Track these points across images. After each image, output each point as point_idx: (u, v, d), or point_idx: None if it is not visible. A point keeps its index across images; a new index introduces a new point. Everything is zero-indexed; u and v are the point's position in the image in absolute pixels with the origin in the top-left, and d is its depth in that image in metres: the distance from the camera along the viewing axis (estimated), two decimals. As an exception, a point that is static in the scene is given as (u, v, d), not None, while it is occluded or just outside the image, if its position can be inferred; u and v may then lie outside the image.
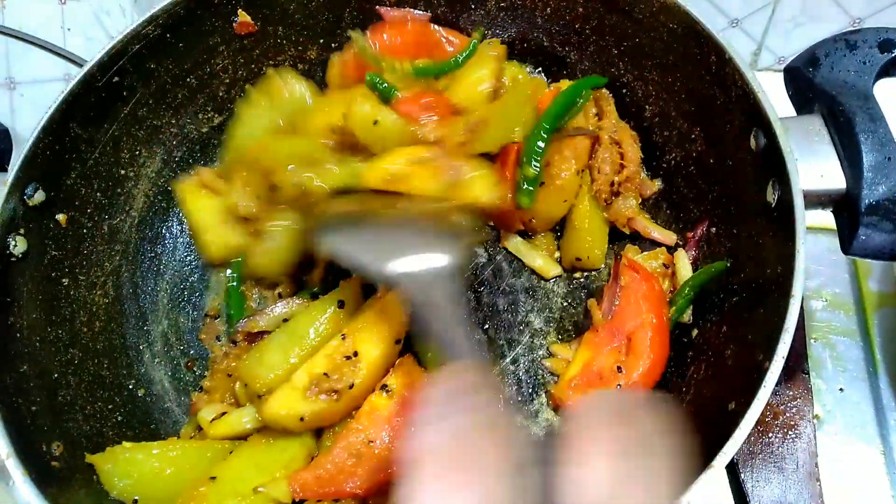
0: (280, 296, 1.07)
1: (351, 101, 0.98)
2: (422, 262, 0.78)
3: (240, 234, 1.06)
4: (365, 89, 1.00)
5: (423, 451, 0.51)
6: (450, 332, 0.71)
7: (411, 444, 0.51)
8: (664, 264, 1.01)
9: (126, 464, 0.84)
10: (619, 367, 0.92)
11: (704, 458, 0.70)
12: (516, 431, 0.56)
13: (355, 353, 0.86)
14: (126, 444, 0.85)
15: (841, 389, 1.06)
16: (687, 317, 0.97)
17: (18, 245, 0.88)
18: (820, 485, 0.97)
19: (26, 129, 1.41)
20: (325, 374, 0.85)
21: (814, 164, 0.85)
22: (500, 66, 1.06)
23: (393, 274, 0.77)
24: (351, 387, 0.85)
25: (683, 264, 1.01)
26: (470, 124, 0.97)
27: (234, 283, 1.07)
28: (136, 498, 0.84)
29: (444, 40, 1.14)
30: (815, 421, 1.02)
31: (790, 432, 1.00)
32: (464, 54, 1.06)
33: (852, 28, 1.53)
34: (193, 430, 0.95)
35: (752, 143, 0.88)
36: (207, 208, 1.07)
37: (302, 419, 0.84)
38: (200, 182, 1.08)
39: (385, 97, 0.99)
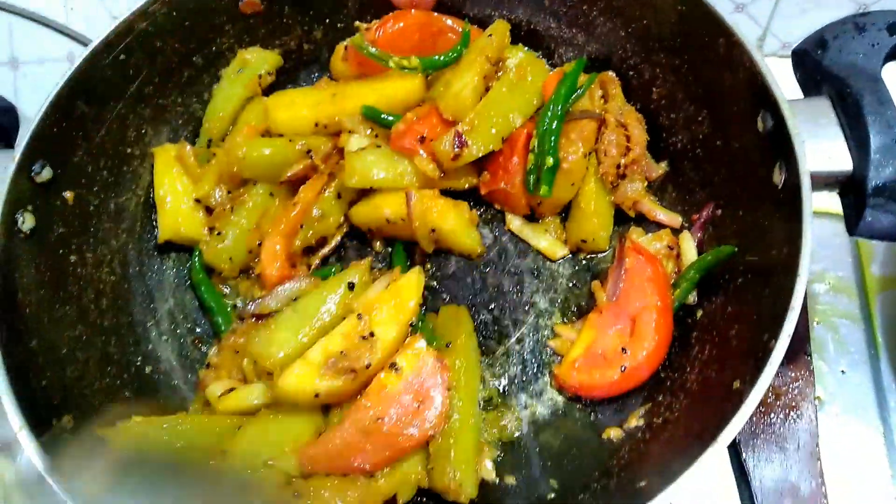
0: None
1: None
2: None
3: (195, 223, 1.06)
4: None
5: None
6: None
7: None
8: (669, 246, 1.01)
9: (137, 437, 0.84)
10: (623, 349, 0.93)
11: (709, 436, 0.71)
12: None
13: (371, 334, 0.87)
14: (136, 419, 0.86)
15: (842, 371, 1.07)
16: (692, 298, 0.97)
17: (27, 222, 0.88)
18: (821, 464, 0.98)
19: (30, 108, 1.39)
20: (341, 352, 0.85)
21: (821, 146, 0.86)
22: (489, 66, 1.05)
23: None
24: (368, 366, 0.86)
25: (688, 246, 1.01)
26: (454, 138, 0.97)
27: (199, 268, 1.06)
28: None
29: (448, 27, 1.13)
30: (816, 402, 1.03)
31: (792, 413, 1.01)
32: (461, 45, 1.06)
33: (858, 11, 1.53)
34: (201, 406, 0.96)
35: (760, 124, 0.88)
36: (173, 187, 1.06)
37: (317, 395, 0.84)
38: (179, 155, 1.08)
39: (385, 127, 1.02)
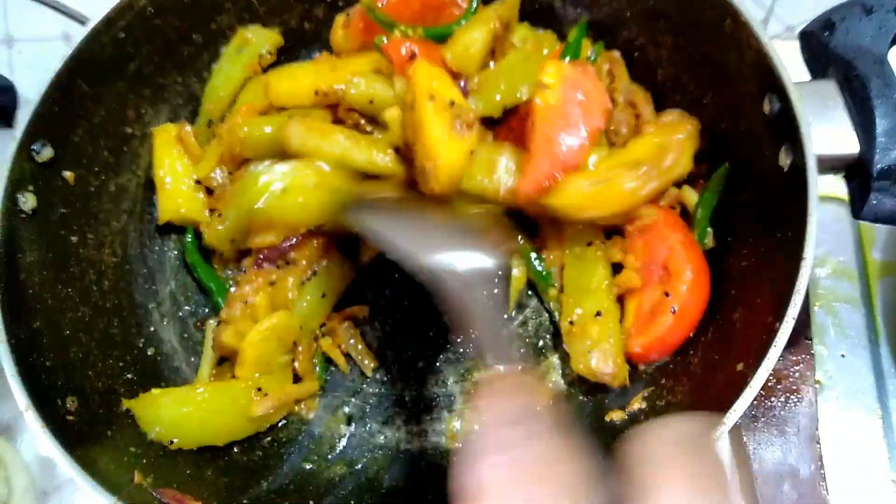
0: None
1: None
2: (466, 261, 0.74)
3: (196, 205, 1.05)
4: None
5: (484, 490, 0.48)
6: (494, 335, 0.68)
7: (471, 481, 0.48)
8: (671, 206, 1.02)
9: (157, 409, 0.87)
10: (665, 293, 0.93)
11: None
12: (581, 460, 0.52)
13: None
14: (155, 391, 0.89)
15: (842, 356, 1.08)
16: (709, 241, 0.98)
17: (28, 202, 0.87)
18: (820, 448, 0.99)
19: (25, 86, 1.38)
20: None
21: (827, 129, 0.85)
22: (500, 26, 1.03)
23: (436, 268, 0.73)
24: None
25: (689, 194, 1.02)
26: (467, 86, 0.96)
27: (192, 249, 1.06)
28: (174, 440, 0.88)
29: (450, 1, 1.12)
30: (816, 386, 1.04)
31: (792, 397, 1.02)
32: (466, 18, 1.04)
33: (863, -4, 1.52)
34: (211, 370, 0.98)
35: (766, 107, 0.87)
36: (173, 168, 1.06)
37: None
38: (179, 135, 1.07)
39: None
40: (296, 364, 0.99)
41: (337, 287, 1.04)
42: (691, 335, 0.94)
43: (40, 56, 1.45)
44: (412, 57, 0.96)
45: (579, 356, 0.95)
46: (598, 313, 0.96)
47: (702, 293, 0.93)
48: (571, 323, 0.97)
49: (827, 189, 1.12)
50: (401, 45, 0.97)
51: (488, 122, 1.01)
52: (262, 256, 0.99)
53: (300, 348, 1.00)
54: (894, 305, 1.11)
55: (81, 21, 1.25)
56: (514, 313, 1.04)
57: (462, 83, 0.97)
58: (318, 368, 1.03)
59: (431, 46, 1.00)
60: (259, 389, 0.93)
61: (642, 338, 0.94)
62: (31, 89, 0.91)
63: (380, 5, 1.04)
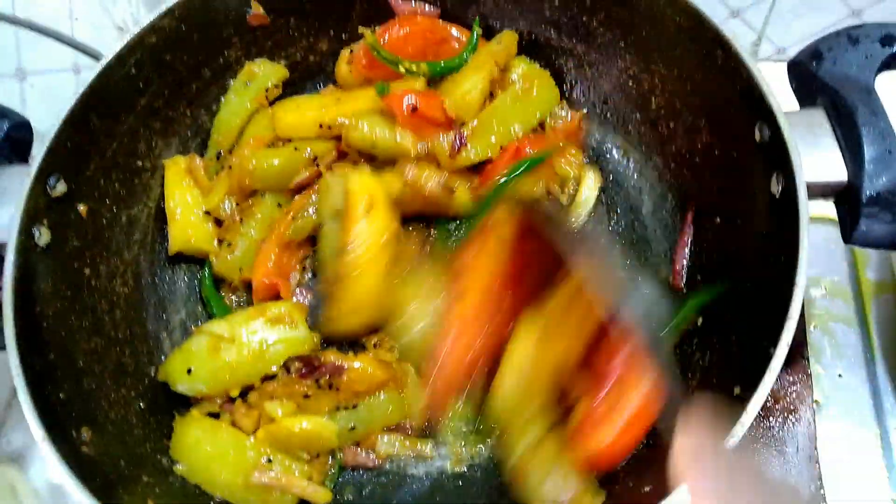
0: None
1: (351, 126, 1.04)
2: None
3: (206, 235, 1.08)
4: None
5: None
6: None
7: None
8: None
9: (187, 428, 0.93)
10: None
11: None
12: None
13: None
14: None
15: (839, 375, 1.10)
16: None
17: (43, 236, 0.89)
18: (819, 467, 1.00)
19: (38, 120, 1.41)
20: None
21: (817, 157, 0.88)
22: (497, 70, 1.08)
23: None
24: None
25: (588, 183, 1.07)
26: (455, 137, 1.00)
27: (209, 284, 1.09)
28: (179, 464, 0.92)
29: (452, 36, 1.16)
30: (814, 405, 1.05)
31: (790, 416, 1.04)
32: (467, 51, 1.08)
33: (851, 18, 1.56)
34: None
35: (757, 135, 0.90)
36: (183, 199, 1.09)
37: None
38: (189, 167, 1.10)
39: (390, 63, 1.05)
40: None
41: (372, 426, 0.98)
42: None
43: (51, 88, 1.49)
44: (414, 111, 1.00)
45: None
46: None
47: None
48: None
49: (820, 210, 1.14)
50: (402, 99, 1.01)
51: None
52: (305, 369, 0.96)
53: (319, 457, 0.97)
54: (889, 324, 1.13)
55: (90, 53, 1.28)
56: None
57: (459, 138, 1.00)
58: (328, 481, 0.98)
59: (432, 95, 1.04)
60: (269, 460, 0.91)
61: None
62: (43, 122, 0.94)
63: (383, 42, 1.08)
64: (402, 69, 1.05)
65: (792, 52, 0.98)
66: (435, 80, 1.09)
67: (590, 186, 1.14)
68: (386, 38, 1.10)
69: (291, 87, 1.20)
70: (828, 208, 0.93)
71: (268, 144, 1.08)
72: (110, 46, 0.99)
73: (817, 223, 1.19)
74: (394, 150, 1.04)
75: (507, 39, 1.10)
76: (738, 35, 1.63)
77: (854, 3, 1.54)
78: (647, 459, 0.89)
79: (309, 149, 1.07)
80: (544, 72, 1.16)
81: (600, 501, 0.86)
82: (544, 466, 0.85)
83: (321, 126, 1.08)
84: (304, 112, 1.10)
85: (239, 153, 1.06)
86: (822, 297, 1.17)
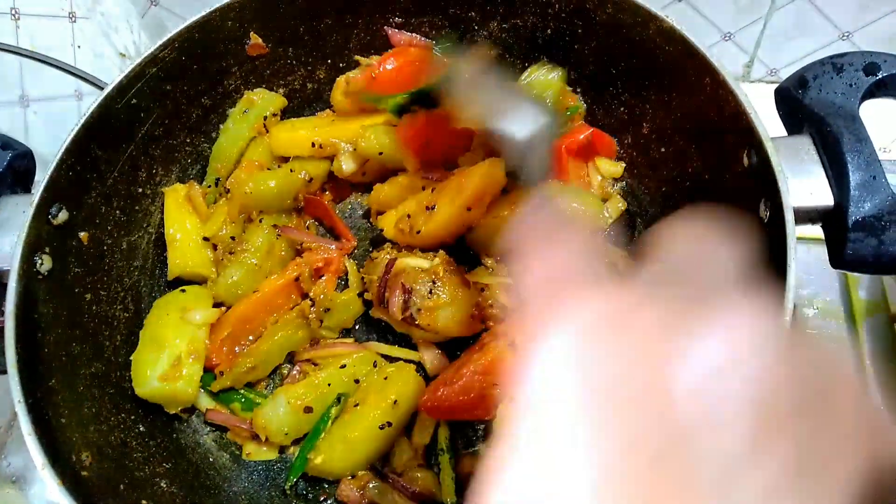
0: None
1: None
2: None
3: (204, 261, 1.10)
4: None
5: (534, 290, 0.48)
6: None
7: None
8: None
9: None
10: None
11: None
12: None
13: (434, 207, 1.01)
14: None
15: (832, 395, 1.11)
16: None
17: (45, 263, 0.91)
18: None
19: (40, 146, 1.43)
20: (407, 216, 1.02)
21: (804, 182, 0.89)
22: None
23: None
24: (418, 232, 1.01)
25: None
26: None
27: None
28: None
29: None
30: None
31: (784, 436, 1.04)
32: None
33: (841, 41, 1.58)
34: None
35: (745, 160, 0.92)
36: (182, 225, 1.11)
37: None
38: (188, 195, 1.12)
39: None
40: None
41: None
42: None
43: (54, 114, 1.51)
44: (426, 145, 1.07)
45: None
46: None
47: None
48: None
49: (812, 232, 1.16)
50: (417, 139, 1.07)
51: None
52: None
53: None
54: (880, 344, 1.14)
55: (92, 81, 1.30)
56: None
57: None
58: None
59: (438, 122, 1.07)
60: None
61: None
62: (46, 147, 0.96)
63: (380, 71, 1.11)
64: (381, 106, 1.11)
65: (784, 74, 1.00)
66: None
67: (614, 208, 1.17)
68: (382, 69, 1.13)
69: (291, 114, 1.23)
70: (820, 230, 0.95)
71: (263, 169, 1.11)
72: (112, 74, 1.02)
73: (809, 244, 1.20)
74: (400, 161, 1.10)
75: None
76: (731, 57, 1.68)
77: (844, 26, 1.56)
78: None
79: (304, 171, 1.10)
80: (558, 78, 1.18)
81: None
82: None
83: (313, 145, 1.11)
84: (297, 131, 1.15)
85: (236, 177, 1.08)
86: (815, 316, 1.19)
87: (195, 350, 1.00)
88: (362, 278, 1.08)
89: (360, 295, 1.09)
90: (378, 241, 1.13)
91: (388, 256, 1.05)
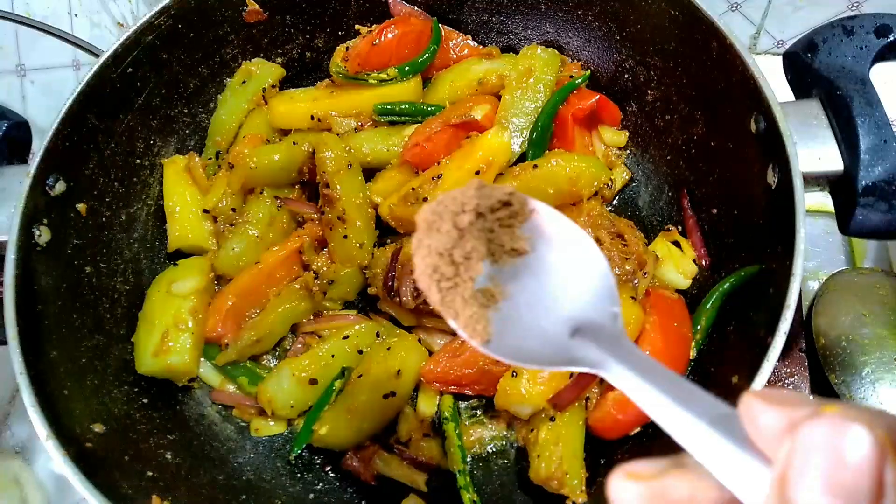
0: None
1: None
2: None
3: (204, 233, 1.09)
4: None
5: None
6: None
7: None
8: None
9: None
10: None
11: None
12: None
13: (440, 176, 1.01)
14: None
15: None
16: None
17: (43, 235, 0.90)
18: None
19: (38, 115, 1.42)
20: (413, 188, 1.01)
21: (812, 147, 0.88)
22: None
23: None
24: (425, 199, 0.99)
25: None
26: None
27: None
28: None
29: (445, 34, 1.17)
30: (812, 397, 1.06)
31: (788, 405, 1.04)
32: (431, 47, 1.13)
33: (850, 12, 1.55)
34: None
35: (753, 126, 0.90)
36: (182, 197, 1.09)
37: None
38: (187, 166, 1.11)
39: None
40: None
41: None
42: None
43: (52, 84, 1.49)
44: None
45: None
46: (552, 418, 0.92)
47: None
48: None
49: (818, 203, 1.15)
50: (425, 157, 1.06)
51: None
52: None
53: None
54: (886, 314, 1.14)
55: (89, 50, 1.28)
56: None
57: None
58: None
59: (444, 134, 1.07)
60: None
61: (598, 412, 0.91)
62: (43, 118, 0.94)
63: (378, 42, 1.10)
64: (371, 81, 1.10)
65: (791, 45, 0.98)
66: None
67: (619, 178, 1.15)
68: (380, 39, 1.11)
69: (289, 83, 1.21)
70: (824, 201, 0.94)
71: (264, 141, 1.09)
72: (109, 44, 1.00)
73: (815, 216, 1.19)
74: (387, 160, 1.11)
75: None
76: (737, 28, 1.65)
77: (852, -4, 1.54)
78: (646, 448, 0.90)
79: (307, 143, 1.08)
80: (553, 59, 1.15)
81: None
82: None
83: (312, 118, 1.10)
84: (296, 103, 1.13)
85: (238, 151, 1.06)
86: (820, 288, 1.18)
87: (181, 320, 0.98)
88: (365, 274, 1.06)
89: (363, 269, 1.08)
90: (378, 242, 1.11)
91: (390, 251, 1.03)
